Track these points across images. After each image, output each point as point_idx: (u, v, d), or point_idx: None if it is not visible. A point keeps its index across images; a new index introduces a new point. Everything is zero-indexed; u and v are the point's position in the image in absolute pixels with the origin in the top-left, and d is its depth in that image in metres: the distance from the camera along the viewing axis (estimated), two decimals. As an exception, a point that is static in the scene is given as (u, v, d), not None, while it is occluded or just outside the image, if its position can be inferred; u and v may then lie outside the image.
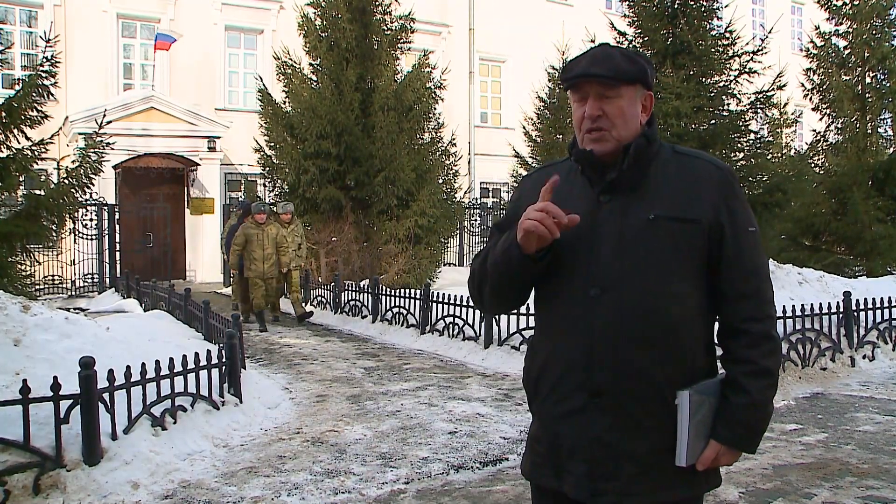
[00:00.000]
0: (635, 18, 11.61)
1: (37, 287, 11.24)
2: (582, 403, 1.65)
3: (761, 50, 11.14)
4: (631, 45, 11.76)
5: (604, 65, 1.65)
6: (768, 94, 11.33)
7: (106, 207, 14.98)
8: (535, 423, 1.81)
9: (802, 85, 13.95)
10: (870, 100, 13.23)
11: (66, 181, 7.71)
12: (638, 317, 1.61)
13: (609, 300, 1.63)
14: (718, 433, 1.65)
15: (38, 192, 7.82)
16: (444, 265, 15.60)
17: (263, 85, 14.67)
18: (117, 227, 15.09)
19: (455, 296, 8.60)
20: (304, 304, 11.21)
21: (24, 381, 3.78)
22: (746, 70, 11.26)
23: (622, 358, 1.61)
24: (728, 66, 11.42)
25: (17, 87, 7.44)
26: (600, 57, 1.67)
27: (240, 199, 17.52)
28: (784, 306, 6.88)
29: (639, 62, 1.69)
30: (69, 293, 14.43)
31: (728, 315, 1.69)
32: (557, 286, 1.69)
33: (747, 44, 11.53)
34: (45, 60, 7.46)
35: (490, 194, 22.82)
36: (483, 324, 8.06)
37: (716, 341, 1.75)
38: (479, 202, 21.20)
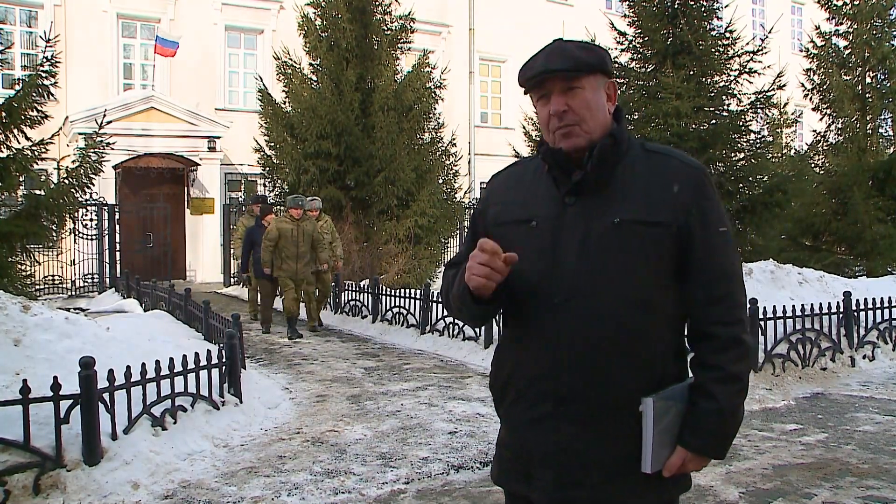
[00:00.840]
0: (635, 18, 11.61)
1: (37, 287, 11.25)
2: (548, 411, 1.62)
3: (761, 50, 11.14)
4: (631, 45, 11.78)
5: (561, 58, 1.61)
6: (768, 94, 11.34)
7: (106, 207, 14.98)
8: (503, 428, 1.78)
9: (802, 85, 13.95)
10: (870, 100, 13.23)
11: (66, 181, 7.72)
12: (604, 325, 1.57)
13: (574, 307, 1.58)
14: (685, 440, 1.61)
15: (38, 192, 7.83)
16: (444, 265, 15.61)
17: (263, 85, 14.69)
18: (117, 227, 15.08)
19: (455, 296, 8.58)
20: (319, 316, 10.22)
21: (25, 381, 3.78)
22: (746, 70, 11.27)
23: (588, 366, 1.58)
24: (728, 66, 11.43)
25: (17, 87, 7.45)
26: (555, 51, 1.63)
27: (240, 198, 17.53)
28: (784, 306, 6.89)
29: (595, 50, 1.66)
30: (69, 293, 14.44)
31: (697, 319, 1.64)
32: (523, 291, 1.64)
33: (747, 44, 11.54)
34: (45, 60, 7.46)
35: (490, 194, 22.82)
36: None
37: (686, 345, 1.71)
38: (479, 202, 21.24)
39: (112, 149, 8.19)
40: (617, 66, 11.75)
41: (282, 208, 12.08)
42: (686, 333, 1.70)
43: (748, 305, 6.54)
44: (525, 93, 1.70)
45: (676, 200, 1.60)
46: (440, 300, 8.87)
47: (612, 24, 12.24)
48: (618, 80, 11.65)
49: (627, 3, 11.90)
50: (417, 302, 9.31)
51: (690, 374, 1.68)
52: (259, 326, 10.10)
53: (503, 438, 1.77)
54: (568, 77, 1.61)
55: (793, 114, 22.03)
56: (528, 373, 1.65)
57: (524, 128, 18.86)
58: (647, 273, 1.59)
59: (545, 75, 1.62)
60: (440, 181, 14.55)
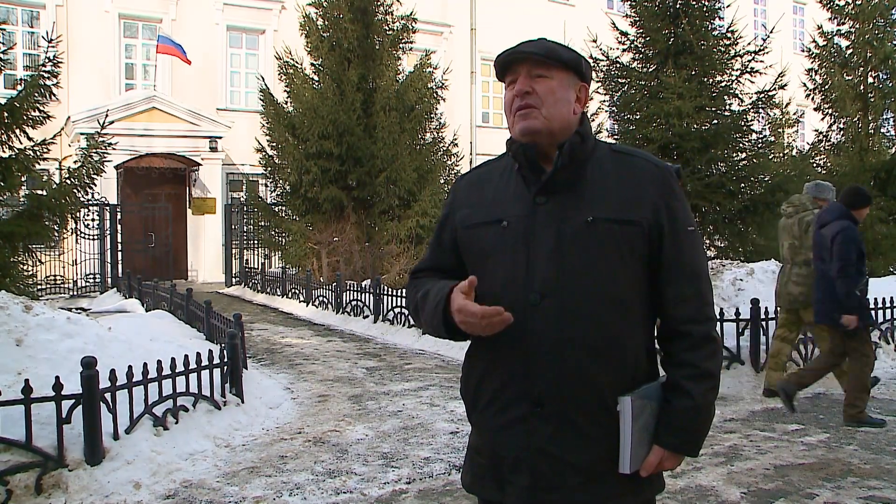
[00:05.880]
0: (637, 18, 11.60)
1: (39, 287, 11.25)
2: (523, 413, 1.60)
3: (763, 50, 11.13)
4: (633, 45, 11.77)
5: (536, 45, 1.64)
6: (770, 93, 11.33)
7: (108, 207, 15.00)
8: (475, 434, 1.74)
9: (804, 85, 13.94)
10: (872, 100, 13.21)
11: (69, 181, 7.72)
12: (579, 323, 1.56)
13: (548, 307, 1.57)
14: (661, 438, 1.61)
15: (40, 192, 7.83)
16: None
17: (265, 85, 14.70)
18: (119, 227, 15.11)
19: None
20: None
21: (27, 380, 3.79)
22: (748, 70, 11.25)
23: (563, 366, 1.56)
24: (730, 65, 11.41)
25: (19, 88, 7.46)
26: (533, 41, 1.67)
27: (242, 198, 17.46)
28: (786, 306, 6.87)
29: (574, 51, 1.67)
30: (71, 293, 14.45)
31: (668, 318, 1.65)
32: (494, 292, 1.62)
33: (749, 44, 11.53)
34: (47, 60, 7.47)
35: (492, 194, 22.81)
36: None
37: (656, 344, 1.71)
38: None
39: (114, 149, 8.20)
40: (618, 65, 11.74)
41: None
42: (657, 332, 1.70)
43: (750, 306, 6.56)
44: (499, 79, 1.70)
45: (646, 199, 1.61)
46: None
47: (613, 24, 12.22)
48: (619, 79, 11.64)
49: (629, 2, 11.89)
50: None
51: (661, 373, 1.68)
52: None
53: (475, 444, 1.73)
54: (537, 62, 1.62)
55: (794, 114, 21.99)
56: (502, 375, 1.63)
57: (526, 128, 18.91)
58: (620, 272, 1.59)
59: (516, 55, 1.64)
60: (442, 181, 14.56)
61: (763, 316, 6.61)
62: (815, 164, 13.59)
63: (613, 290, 1.58)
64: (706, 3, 11.34)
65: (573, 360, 1.56)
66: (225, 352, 5.47)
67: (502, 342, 1.62)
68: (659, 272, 1.63)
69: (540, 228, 1.61)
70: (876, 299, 7.65)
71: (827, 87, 13.56)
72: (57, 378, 3.86)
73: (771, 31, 11.11)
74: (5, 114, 7.28)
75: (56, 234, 8.00)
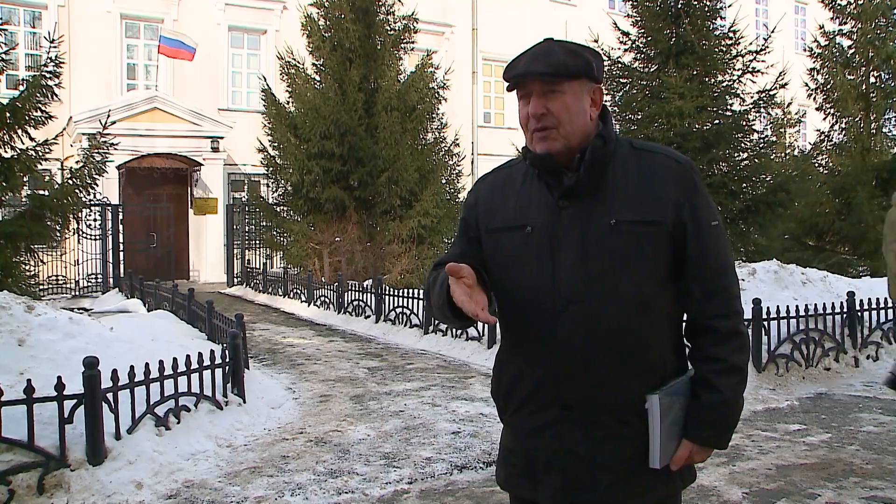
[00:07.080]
0: (639, 18, 11.63)
1: (41, 287, 11.26)
2: (554, 417, 1.63)
3: (764, 49, 11.15)
4: (634, 45, 11.79)
5: (544, 61, 1.59)
6: (771, 93, 11.34)
7: (109, 207, 15.00)
8: (508, 435, 1.77)
9: (806, 85, 13.96)
10: (874, 99, 13.22)
11: (70, 181, 7.74)
12: (606, 328, 1.58)
13: (576, 312, 1.58)
14: (691, 433, 1.63)
15: (42, 192, 7.86)
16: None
17: (267, 85, 14.70)
18: (121, 227, 15.11)
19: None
20: None
21: (29, 380, 3.79)
22: (749, 70, 11.28)
23: (592, 370, 1.58)
24: (731, 65, 11.44)
25: (21, 88, 7.49)
26: (541, 53, 1.61)
27: (243, 198, 17.46)
28: (788, 306, 6.87)
29: (582, 55, 1.63)
30: (73, 293, 14.46)
31: (695, 313, 1.66)
32: (521, 298, 1.64)
33: (750, 43, 11.55)
34: (49, 61, 7.50)
35: (493, 194, 22.79)
36: (486, 324, 8.05)
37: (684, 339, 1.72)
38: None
39: (116, 149, 8.23)
40: (620, 65, 11.75)
41: None
42: (684, 328, 1.71)
43: (752, 306, 6.56)
44: (508, 90, 1.69)
45: (669, 197, 1.61)
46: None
47: (615, 24, 12.24)
48: (621, 79, 11.65)
49: (631, 2, 11.91)
50: (420, 302, 9.30)
51: (689, 367, 1.69)
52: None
53: (508, 444, 1.77)
54: (548, 80, 1.60)
55: (796, 113, 21.99)
56: (532, 380, 1.65)
57: (527, 128, 18.91)
58: (646, 272, 1.60)
59: (526, 77, 1.62)
60: (443, 181, 14.57)
61: (765, 316, 6.61)
62: (816, 164, 13.61)
63: (639, 292, 1.59)
64: (708, 3, 11.36)
65: (601, 365, 1.58)
66: (227, 352, 5.47)
67: (532, 347, 1.65)
68: (684, 268, 1.63)
69: (564, 233, 1.61)
70: (878, 299, 7.64)
71: (829, 86, 13.59)
72: (59, 378, 3.86)
73: (772, 31, 11.13)
74: (7, 114, 7.30)
75: (58, 234, 8.03)
